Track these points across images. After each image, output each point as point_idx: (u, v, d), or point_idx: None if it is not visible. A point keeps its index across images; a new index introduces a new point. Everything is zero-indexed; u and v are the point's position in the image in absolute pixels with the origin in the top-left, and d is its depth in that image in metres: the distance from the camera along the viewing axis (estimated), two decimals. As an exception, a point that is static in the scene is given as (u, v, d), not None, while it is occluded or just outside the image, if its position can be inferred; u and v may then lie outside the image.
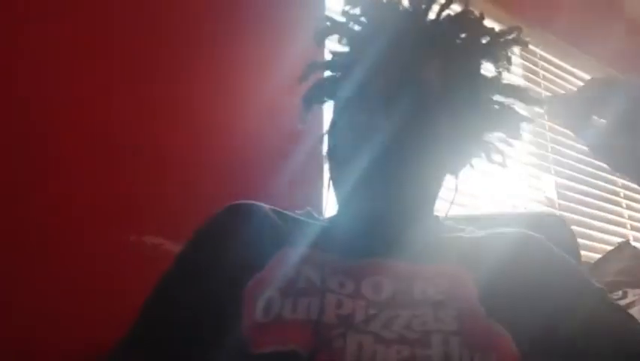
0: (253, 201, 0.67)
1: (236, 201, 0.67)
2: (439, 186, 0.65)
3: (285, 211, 0.68)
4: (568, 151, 2.06)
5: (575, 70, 2.28)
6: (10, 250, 0.87)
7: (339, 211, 0.68)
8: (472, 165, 0.70)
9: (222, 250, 0.62)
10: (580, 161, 2.09)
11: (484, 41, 0.65)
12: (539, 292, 0.56)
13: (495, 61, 0.66)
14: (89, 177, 0.97)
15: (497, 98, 0.67)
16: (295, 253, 0.59)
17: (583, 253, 1.76)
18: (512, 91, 0.67)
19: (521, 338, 0.52)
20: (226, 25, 1.22)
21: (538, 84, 2.10)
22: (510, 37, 0.66)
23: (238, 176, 1.12)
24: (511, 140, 0.68)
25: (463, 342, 0.50)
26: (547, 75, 2.16)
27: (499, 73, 0.66)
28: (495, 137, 0.69)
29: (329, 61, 0.73)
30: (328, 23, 0.71)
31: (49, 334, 0.85)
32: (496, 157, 0.69)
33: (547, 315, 0.55)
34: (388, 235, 0.60)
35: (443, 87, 0.61)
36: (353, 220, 0.63)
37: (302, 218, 0.68)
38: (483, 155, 0.69)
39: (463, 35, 0.65)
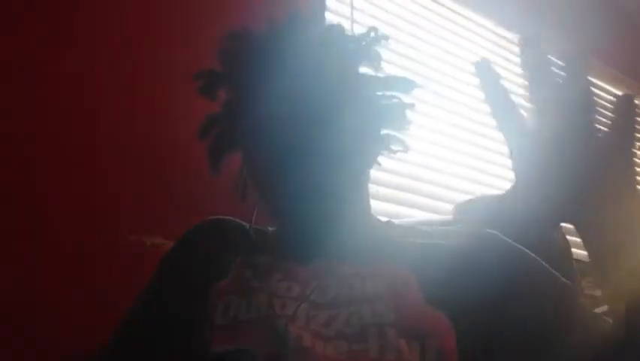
0: (221, 217, 0.74)
1: (207, 218, 0.74)
2: (359, 185, 0.69)
3: (249, 224, 0.73)
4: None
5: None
6: (9, 250, 0.87)
7: (279, 224, 0.71)
8: (379, 163, 0.73)
9: (192, 263, 0.68)
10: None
11: (351, 46, 0.70)
12: (486, 286, 0.57)
13: (368, 60, 0.70)
14: (89, 177, 0.97)
15: (379, 92, 0.71)
16: (253, 261, 0.65)
17: (582, 252, 1.77)
18: (390, 82, 0.71)
19: (464, 327, 0.53)
20: (228, 23, 1.22)
21: (538, 84, 2.10)
22: (372, 36, 0.70)
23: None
24: (403, 129, 0.72)
25: (399, 332, 0.52)
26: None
27: (375, 69, 0.70)
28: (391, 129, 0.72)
29: (223, 111, 0.73)
30: (210, 77, 0.72)
31: (48, 334, 0.85)
32: (397, 147, 0.72)
33: (494, 308, 0.56)
34: (331, 240, 0.63)
35: (336, 94, 0.65)
36: (295, 231, 0.67)
37: (264, 229, 0.73)
38: (385, 150, 0.72)
39: (333, 47, 0.70)
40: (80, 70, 1.02)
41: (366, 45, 0.70)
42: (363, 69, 0.71)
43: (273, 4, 1.32)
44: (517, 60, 2.08)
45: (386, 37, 0.71)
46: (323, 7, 1.44)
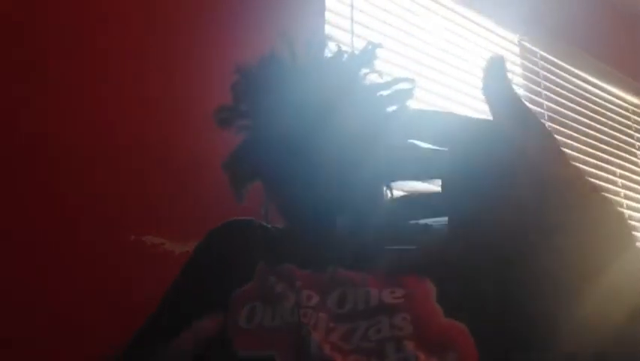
0: (244, 217, 0.75)
1: (229, 220, 0.75)
2: (379, 195, 0.72)
3: (273, 227, 0.75)
4: (567, 151, 2.07)
5: (575, 69, 2.28)
6: (9, 251, 0.87)
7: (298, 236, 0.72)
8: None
9: (214, 265, 0.69)
10: (580, 161, 2.09)
11: (349, 62, 0.74)
12: (518, 290, 0.56)
13: (368, 68, 0.74)
14: (88, 177, 0.97)
15: (382, 94, 0.74)
16: (275, 266, 0.65)
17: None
18: (391, 84, 0.74)
19: (487, 337, 0.52)
20: (229, 23, 1.22)
21: (538, 84, 2.10)
22: (399, 85, 0.74)
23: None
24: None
25: (418, 345, 0.51)
26: (548, 75, 2.16)
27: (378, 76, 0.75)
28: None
29: (241, 143, 0.76)
30: (227, 112, 0.77)
31: (49, 334, 0.85)
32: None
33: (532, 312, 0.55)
34: (349, 248, 0.64)
35: (337, 103, 0.67)
36: (313, 240, 0.68)
37: (287, 230, 0.74)
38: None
39: (333, 66, 0.74)
40: (80, 68, 1.02)
41: (366, 58, 0.74)
42: (369, 79, 0.74)
43: (273, 4, 1.32)
44: (517, 60, 2.08)
45: (380, 46, 0.75)
46: (323, 7, 1.44)
